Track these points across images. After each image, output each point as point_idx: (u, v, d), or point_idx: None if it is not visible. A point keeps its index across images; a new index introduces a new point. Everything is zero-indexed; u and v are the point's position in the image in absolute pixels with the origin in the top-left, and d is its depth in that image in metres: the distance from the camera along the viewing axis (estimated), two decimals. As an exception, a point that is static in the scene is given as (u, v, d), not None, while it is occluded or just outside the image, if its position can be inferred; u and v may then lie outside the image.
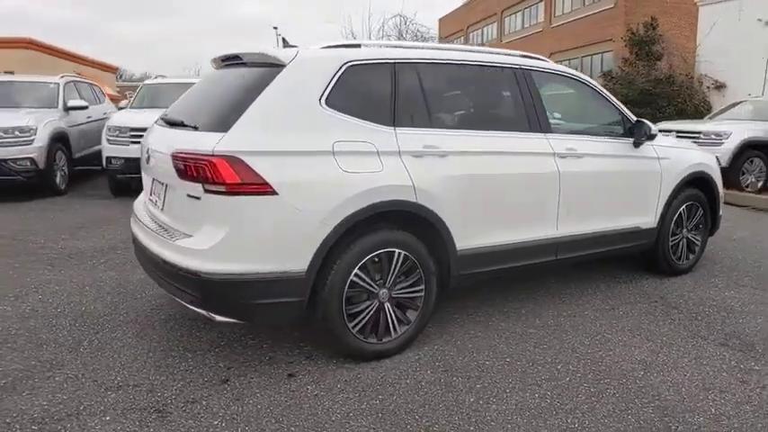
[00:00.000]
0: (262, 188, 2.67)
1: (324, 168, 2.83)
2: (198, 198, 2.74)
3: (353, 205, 2.86)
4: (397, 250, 3.04)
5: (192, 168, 2.71)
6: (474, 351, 3.23)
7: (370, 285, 3.01)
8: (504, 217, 3.47)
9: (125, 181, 8.23)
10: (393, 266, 3.06)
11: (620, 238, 4.12)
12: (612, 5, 25.27)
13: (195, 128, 2.92)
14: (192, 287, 2.75)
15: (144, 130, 7.69)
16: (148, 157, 3.25)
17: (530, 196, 3.57)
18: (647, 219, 4.27)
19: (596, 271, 4.67)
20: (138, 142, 7.84)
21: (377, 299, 3.04)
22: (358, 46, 3.22)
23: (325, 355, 3.15)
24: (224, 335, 3.41)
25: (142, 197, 3.79)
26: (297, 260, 2.78)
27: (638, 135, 4.07)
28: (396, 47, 3.36)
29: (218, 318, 2.82)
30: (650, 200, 4.27)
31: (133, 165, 7.88)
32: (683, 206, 4.49)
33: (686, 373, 3.02)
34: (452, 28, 42.90)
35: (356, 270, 2.94)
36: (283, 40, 3.44)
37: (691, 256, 4.68)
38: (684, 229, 4.59)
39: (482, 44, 26.89)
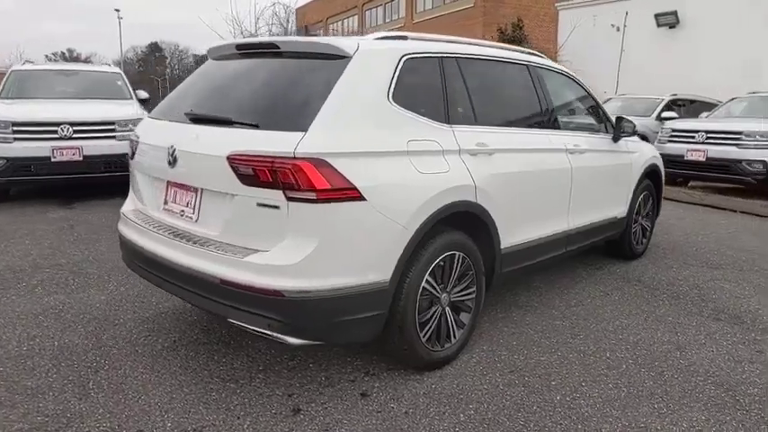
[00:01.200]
0: (351, 193, 2.41)
1: (403, 169, 2.64)
2: (276, 207, 2.38)
3: (430, 208, 2.70)
4: (457, 252, 2.94)
5: (267, 173, 2.36)
6: (523, 348, 3.24)
7: (436, 291, 2.87)
8: (535, 213, 3.53)
9: (2, 185, 6.95)
10: (454, 269, 2.95)
11: (605, 228, 4.40)
12: (472, 5, 26.89)
13: (255, 126, 2.53)
14: (273, 309, 2.40)
15: (32, 124, 6.86)
16: (174, 160, 2.74)
17: (553, 191, 3.67)
18: (623, 208, 4.61)
19: (565, 261, 4.93)
20: (26, 138, 6.84)
21: (440, 304, 2.91)
22: (404, 38, 3.03)
23: (382, 368, 2.95)
24: (255, 358, 3.04)
25: (134, 205, 3.24)
26: (382, 270, 2.56)
27: (620, 130, 4.36)
28: (436, 41, 3.21)
29: (295, 341, 2.49)
30: (625, 191, 4.61)
31: (20, 165, 6.73)
32: (641, 195, 4.92)
33: (712, 349, 3.31)
34: (311, 18, 42.54)
35: (426, 276, 2.78)
36: (305, 28, 3.12)
37: (644, 241, 5.15)
38: (640, 217, 5.03)
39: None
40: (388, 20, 35.31)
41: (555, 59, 17.57)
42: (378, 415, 2.56)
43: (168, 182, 2.89)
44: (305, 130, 2.39)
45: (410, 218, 2.61)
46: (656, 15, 14.39)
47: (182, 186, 2.80)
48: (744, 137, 8.25)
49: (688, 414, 2.62)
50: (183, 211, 2.80)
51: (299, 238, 2.38)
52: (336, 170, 2.38)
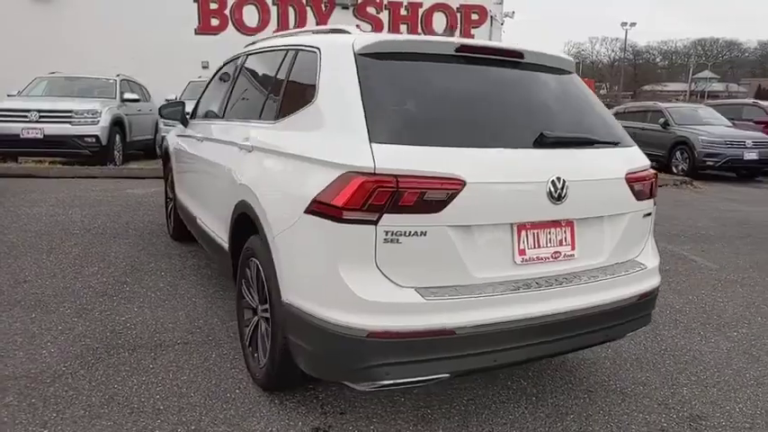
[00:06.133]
0: None
1: None
2: (649, 214, 2.59)
3: None
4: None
5: (650, 185, 2.57)
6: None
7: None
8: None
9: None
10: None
11: None
12: None
13: (616, 144, 2.55)
14: (647, 308, 2.57)
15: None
16: (564, 194, 2.19)
17: None
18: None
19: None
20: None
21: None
22: None
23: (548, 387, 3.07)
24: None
25: (409, 281, 2.00)
26: None
27: None
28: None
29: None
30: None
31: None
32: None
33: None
34: None
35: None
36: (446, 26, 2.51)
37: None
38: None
39: None
40: None
41: None
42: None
43: (524, 225, 2.19)
44: (633, 144, 2.64)
45: None
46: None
47: (551, 224, 2.25)
48: (75, 115, 9.01)
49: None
50: (557, 252, 2.27)
51: (650, 238, 2.67)
52: None
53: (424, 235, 1.95)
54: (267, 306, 2.38)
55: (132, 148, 10.69)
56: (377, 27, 14.62)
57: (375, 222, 1.90)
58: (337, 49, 2.30)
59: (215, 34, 14.15)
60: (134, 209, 6.31)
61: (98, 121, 9.17)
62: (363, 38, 2.26)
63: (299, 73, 2.60)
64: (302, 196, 2.06)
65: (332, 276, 1.95)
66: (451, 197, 1.96)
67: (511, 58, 2.46)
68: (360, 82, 2.11)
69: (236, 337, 3.08)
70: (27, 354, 2.84)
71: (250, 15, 14.22)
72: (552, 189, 2.16)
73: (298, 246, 2.09)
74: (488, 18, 14.64)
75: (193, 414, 2.37)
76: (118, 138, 9.81)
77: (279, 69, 2.79)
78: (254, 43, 3.60)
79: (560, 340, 2.25)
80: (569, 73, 2.69)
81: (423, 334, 1.93)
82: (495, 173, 2.09)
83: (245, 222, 2.65)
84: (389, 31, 14.68)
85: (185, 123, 4.25)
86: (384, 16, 14.63)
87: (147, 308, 3.48)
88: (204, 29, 14.15)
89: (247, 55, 3.40)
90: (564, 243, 2.27)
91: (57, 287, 3.78)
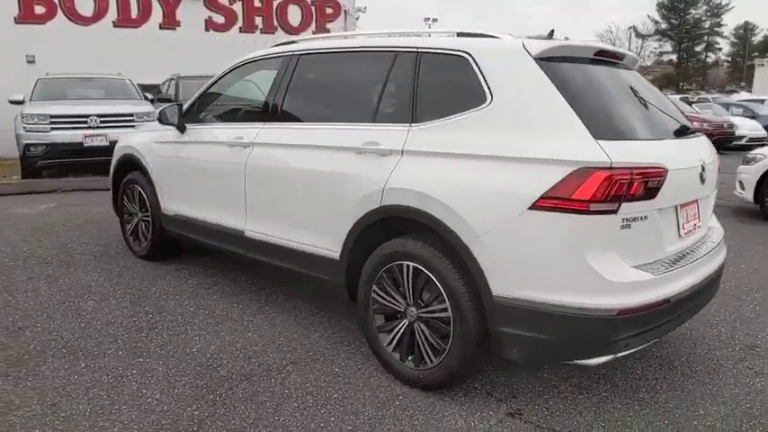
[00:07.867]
0: None
1: None
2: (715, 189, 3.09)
3: None
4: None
5: None
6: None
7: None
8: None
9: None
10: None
11: None
12: None
13: (695, 133, 2.93)
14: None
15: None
16: (706, 176, 2.62)
17: None
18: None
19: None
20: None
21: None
22: None
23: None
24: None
25: (632, 261, 2.24)
26: None
27: None
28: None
29: None
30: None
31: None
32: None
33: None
34: None
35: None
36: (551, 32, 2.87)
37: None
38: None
39: None
40: None
41: None
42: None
43: (681, 204, 2.52)
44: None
45: None
46: None
47: (690, 203, 2.62)
48: None
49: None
50: (695, 225, 2.69)
51: None
52: None
53: (646, 219, 2.22)
54: (444, 305, 2.40)
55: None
56: (230, 19, 13.95)
57: (616, 211, 2.10)
58: (510, 54, 2.40)
59: (42, 23, 12.22)
60: (48, 231, 5.38)
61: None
62: (535, 43, 2.39)
63: (437, 76, 2.59)
64: (523, 194, 2.15)
65: (578, 264, 2.10)
66: (661, 184, 2.22)
67: (618, 60, 2.74)
68: (555, 84, 2.24)
69: (340, 347, 3.00)
70: (131, 406, 2.44)
71: (83, 3, 12.53)
72: (702, 172, 2.55)
73: (523, 241, 2.18)
74: (342, 12, 14.88)
75: (390, 427, 2.31)
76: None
77: (390, 72, 2.71)
78: (291, 43, 3.39)
79: (706, 297, 2.68)
80: (632, 69, 2.97)
81: (652, 306, 2.19)
82: (677, 161, 2.37)
83: (382, 228, 2.65)
84: (244, 23, 14.12)
85: (182, 129, 3.82)
86: (237, 8, 13.99)
87: (208, 334, 3.15)
88: (27, 17, 12.11)
89: (300, 56, 3.19)
90: (696, 217, 2.68)
91: (71, 329, 3.20)
